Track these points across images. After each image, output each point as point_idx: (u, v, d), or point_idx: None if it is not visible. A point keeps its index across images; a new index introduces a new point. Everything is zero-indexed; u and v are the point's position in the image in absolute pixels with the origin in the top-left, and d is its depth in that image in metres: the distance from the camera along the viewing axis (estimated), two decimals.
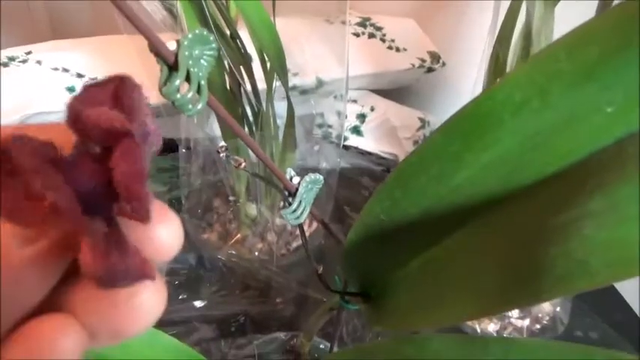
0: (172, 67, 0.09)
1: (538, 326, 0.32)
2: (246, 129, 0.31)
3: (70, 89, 0.44)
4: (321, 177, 0.14)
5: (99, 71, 0.46)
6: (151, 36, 0.09)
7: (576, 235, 0.09)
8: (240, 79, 0.29)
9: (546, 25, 0.22)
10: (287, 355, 0.33)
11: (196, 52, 0.09)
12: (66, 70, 0.45)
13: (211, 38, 0.09)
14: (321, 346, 0.33)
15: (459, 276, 0.11)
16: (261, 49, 0.26)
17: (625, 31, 0.08)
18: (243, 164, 0.13)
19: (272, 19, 0.30)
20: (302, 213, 0.14)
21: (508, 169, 0.10)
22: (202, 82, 0.09)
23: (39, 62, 0.45)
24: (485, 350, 0.13)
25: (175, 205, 0.37)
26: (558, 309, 0.32)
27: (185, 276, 0.32)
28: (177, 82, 0.09)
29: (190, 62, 0.09)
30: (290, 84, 0.44)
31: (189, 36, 0.09)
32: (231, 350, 0.29)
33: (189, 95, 0.09)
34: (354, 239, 0.16)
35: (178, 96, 0.09)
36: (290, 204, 0.14)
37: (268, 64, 0.30)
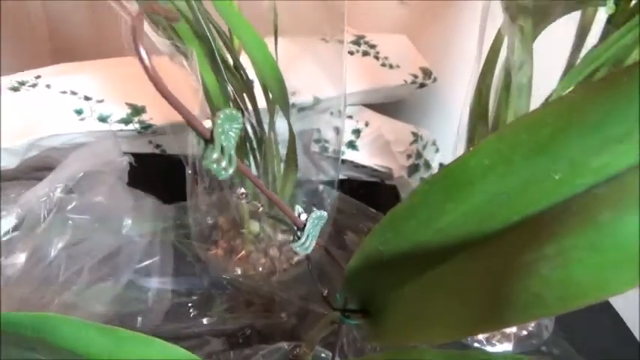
0: (208, 140, 0.11)
1: (525, 332, 0.34)
2: (249, 151, 0.33)
3: (78, 112, 0.46)
4: (326, 213, 0.17)
5: (105, 94, 0.48)
6: (191, 118, 0.11)
7: (534, 274, 0.11)
8: (243, 107, 0.31)
9: (525, 62, 0.24)
10: None
11: (226, 127, 0.11)
12: (74, 93, 0.47)
13: (239, 115, 0.12)
14: (322, 355, 0.35)
15: (444, 303, 0.14)
16: (265, 84, 0.29)
17: (569, 117, 0.10)
18: (261, 208, 0.16)
19: (274, 49, 0.32)
20: (309, 245, 0.17)
21: (481, 217, 0.12)
22: (232, 153, 0.11)
23: (48, 86, 0.47)
24: None
25: (183, 234, 0.39)
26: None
27: (197, 295, 0.34)
28: (215, 155, 0.11)
29: (223, 137, 0.11)
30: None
31: (221, 115, 0.11)
32: None
33: (223, 164, 0.11)
34: (354, 266, 0.18)
35: (215, 166, 0.11)
36: (299, 238, 0.16)
37: (270, 95, 0.32)
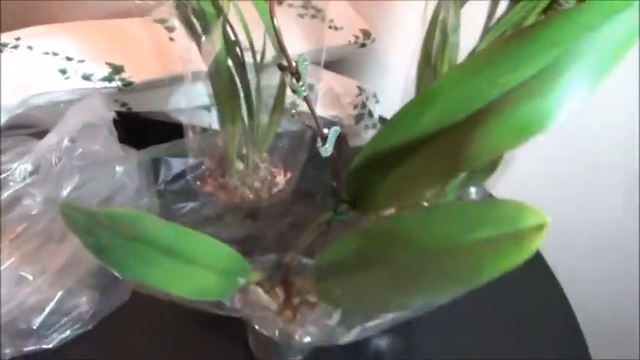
0: (293, 74, 0.19)
1: None
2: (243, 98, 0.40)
3: (62, 71, 0.50)
4: (339, 128, 0.25)
5: (85, 54, 0.52)
6: (287, 55, 0.19)
7: (474, 142, 0.21)
8: (240, 64, 0.38)
9: (458, 26, 0.34)
10: (279, 270, 0.44)
11: (302, 66, 0.19)
12: (56, 54, 0.51)
13: (306, 57, 0.20)
14: (304, 261, 0.44)
15: (419, 167, 0.23)
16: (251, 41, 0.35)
17: (490, 58, 0.19)
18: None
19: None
20: (329, 149, 0.25)
21: (443, 116, 0.21)
22: (305, 81, 0.20)
23: (30, 47, 0.50)
24: (428, 212, 0.24)
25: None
26: None
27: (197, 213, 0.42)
28: (301, 83, 0.19)
29: (304, 71, 0.19)
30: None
31: (301, 57, 0.19)
32: None
33: (304, 88, 0.19)
34: (353, 169, 0.27)
35: (302, 89, 0.19)
36: (324, 144, 0.25)
37: (259, 48, 0.39)
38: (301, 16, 0.66)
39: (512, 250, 0.22)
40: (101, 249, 0.26)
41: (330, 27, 0.67)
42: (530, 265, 0.22)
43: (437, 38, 0.35)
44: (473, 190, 0.43)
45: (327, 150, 0.25)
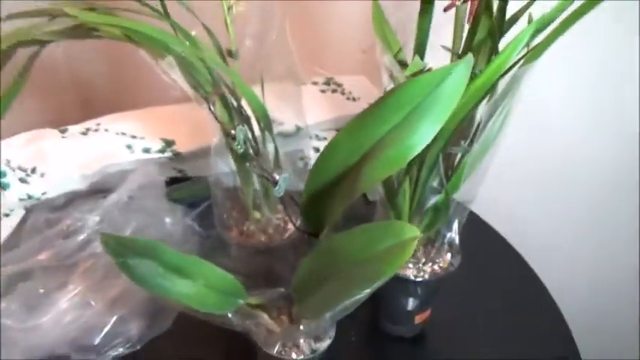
0: (232, 137, 0.29)
1: (437, 268, 0.52)
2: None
3: (128, 146, 0.65)
4: (288, 175, 0.35)
5: (145, 133, 0.67)
6: (229, 131, 0.29)
7: (363, 175, 0.30)
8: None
9: None
10: (286, 300, 0.52)
11: (241, 134, 0.30)
12: (124, 134, 0.66)
13: (245, 129, 0.30)
14: None
15: (340, 196, 0.32)
16: (257, 118, 0.47)
17: (368, 117, 0.29)
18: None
19: (262, 95, 0.51)
20: (281, 190, 0.35)
21: (345, 159, 0.30)
22: (242, 144, 0.30)
23: (106, 130, 0.66)
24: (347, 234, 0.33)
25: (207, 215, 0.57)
26: (450, 257, 0.52)
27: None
28: (236, 143, 0.29)
29: (241, 136, 0.29)
30: (276, 131, 0.65)
31: (240, 127, 0.30)
32: None
33: (239, 147, 0.29)
34: (303, 206, 0.36)
35: (238, 147, 0.29)
36: (276, 186, 0.34)
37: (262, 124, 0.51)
38: (323, 91, 0.78)
39: (399, 255, 0.29)
40: (128, 267, 0.37)
41: (349, 99, 0.78)
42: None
43: None
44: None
45: (278, 192, 0.34)
